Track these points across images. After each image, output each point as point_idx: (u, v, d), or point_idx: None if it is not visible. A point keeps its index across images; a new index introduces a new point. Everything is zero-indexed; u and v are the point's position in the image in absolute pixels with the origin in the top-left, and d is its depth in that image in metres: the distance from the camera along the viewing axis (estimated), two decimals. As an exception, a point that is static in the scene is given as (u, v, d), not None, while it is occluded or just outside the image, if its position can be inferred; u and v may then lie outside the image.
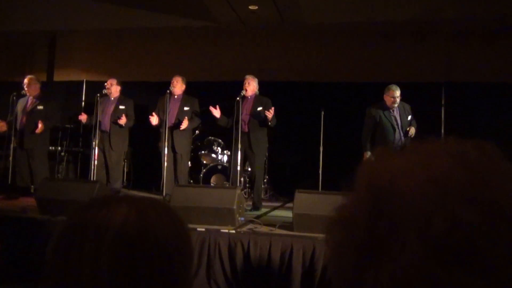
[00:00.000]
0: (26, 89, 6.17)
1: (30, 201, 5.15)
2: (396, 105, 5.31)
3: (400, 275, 0.39)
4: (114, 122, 6.06)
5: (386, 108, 5.35)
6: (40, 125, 5.93)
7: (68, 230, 0.65)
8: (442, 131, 6.65)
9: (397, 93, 5.28)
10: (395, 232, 0.40)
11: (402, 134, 5.35)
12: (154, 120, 5.85)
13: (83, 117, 6.22)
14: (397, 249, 0.39)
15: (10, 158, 6.14)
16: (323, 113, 6.03)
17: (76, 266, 0.62)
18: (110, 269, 0.61)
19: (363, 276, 0.41)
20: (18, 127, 6.12)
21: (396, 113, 5.38)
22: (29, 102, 6.21)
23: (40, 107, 6.15)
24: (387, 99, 5.33)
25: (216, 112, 5.62)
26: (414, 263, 0.38)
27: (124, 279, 0.61)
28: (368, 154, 5.28)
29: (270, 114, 5.32)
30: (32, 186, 5.98)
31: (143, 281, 0.61)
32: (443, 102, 7.05)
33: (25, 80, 6.23)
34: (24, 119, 6.11)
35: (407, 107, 5.47)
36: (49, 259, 0.66)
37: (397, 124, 5.35)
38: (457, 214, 0.38)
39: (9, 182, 6.08)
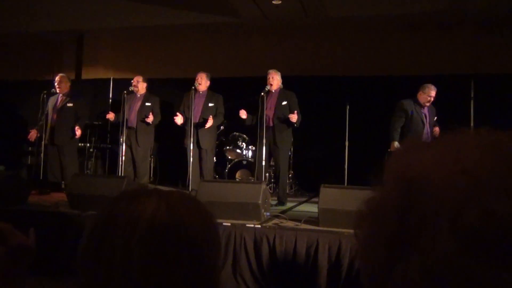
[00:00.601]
0: (57, 86, 6.35)
1: (61, 196, 5.30)
2: (428, 104, 5.50)
3: (430, 268, 0.38)
4: (142, 120, 6.16)
5: (419, 105, 5.50)
6: (78, 132, 6.13)
7: (100, 223, 0.67)
8: (472, 124, 6.49)
9: (434, 93, 5.45)
10: (425, 225, 0.39)
11: (429, 130, 5.48)
12: (179, 120, 5.91)
13: (110, 116, 6.34)
14: (427, 242, 0.39)
15: (42, 155, 6.33)
16: (348, 107, 5.97)
17: (108, 258, 0.63)
18: (141, 260, 0.62)
19: (393, 269, 0.41)
20: (49, 124, 6.29)
21: (426, 111, 5.55)
22: (59, 99, 6.38)
23: (70, 105, 6.31)
24: (423, 96, 5.47)
25: (243, 114, 5.64)
26: (445, 256, 0.38)
27: (155, 270, 0.62)
28: (396, 143, 5.31)
29: (293, 117, 5.31)
30: (63, 182, 6.15)
31: (173, 272, 0.63)
32: (472, 95, 6.87)
33: (57, 78, 6.42)
34: (55, 116, 6.29)
35: (434, 109, 5.64)
36: (82, 251, 0.67)
37: (427, 121, 5.51)
38: (491, 206, 0.37)
39: (41, 178, 6.27)
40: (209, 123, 5.80)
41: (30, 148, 7.54)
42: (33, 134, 6.31)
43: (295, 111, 5.38)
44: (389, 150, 5.25)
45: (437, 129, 5.54)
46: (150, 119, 6.08)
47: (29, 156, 7.72)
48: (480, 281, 0.37)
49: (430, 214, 0.39)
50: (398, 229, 0.41)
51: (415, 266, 0.39)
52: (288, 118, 5.40)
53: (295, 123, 5.38)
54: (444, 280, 0.38)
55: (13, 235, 0.94)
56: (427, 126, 5.48)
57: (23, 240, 0.95)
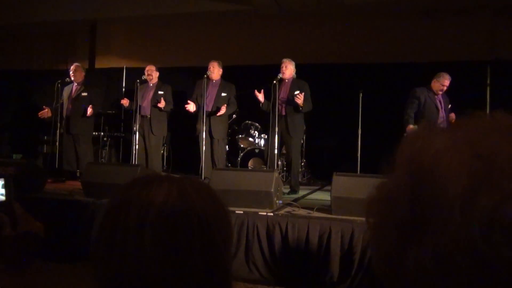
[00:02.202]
0: (72, 75, 6.41)
1: (76, 185, 5.37)
2: (441, 92, 5.51)
3: (442, 252, 0.38)
4: (154, 105, 6.19)
5: (432, 92, 5.52)
6: (90, 110, 6.17)
7: (112, 209, 0.67)
8: (487, 111, 6.39)
9: (447, 82, 5.45)
10: (438, 208, 0.39)
11: (445, 115, 5.46)
12: (191, 107, 5.92)
13: (125, 101, 6.38)
14: (439, 225, 0.38)
15: (57, 144, 6.41)
16: (361, 95, 5.92)
17: (121, 244, 0.64)
18: (153, 245, 0.63)
19: (405, 253, 0.41)
20: (64, 113, 6.37)
21: (440, 98, 5.56)
22: (74, 89, 6.44)
23: (85, 94, 6.37)
24: (436, 85, 5.48)
25: (261, 97, 5.61)
26: (457, 239, 0.37)
27: (167, 255, 0.63)
28: (411, 126, 5.35)
29: (299, 99, 5.29)
30: (78, 170, 6.23)
31: (185, 257, 0.63)
32: (488, 82, 6.75)
33: (72, 67, 6.50)
34: (70, 105, 6.36)
35: (447, 97, 5.64)
36: (95, 237, 0.68)
37: (441, 107, 5.50)
38: (505, 189, 0.37)
39: (57, 167, 6.36)
40: (222, 111, 5.80)
41: (46, 137, 7.65)
42: (47, 112, 6.35)
43: (302, 93, 5.36)
44: (404, 134, 5.21)
45: (452, 115, 5.53)
46: (162, 104, 6.10)
47: (45, 145, 7.83)
48: (493, 264, 0.36)
49: (442, 198, 0.39)
50: (410, 213, 0.41)
51: (427, 250, 0.39)
52: (298, 103, 5.38)
53: (301, 106, 5.36)
54: (456, 264, 0.37)
55: (25, 220, 0.95)
56: (442, 112, 5.48)
57: (33, 227, 0.96)
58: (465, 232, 0.37)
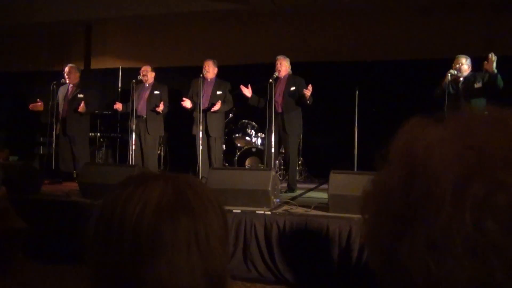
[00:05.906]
0: (66, 76, 6.38)
1: (73, 186, 5.36)
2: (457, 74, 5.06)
3: (435, 240, 0.38)
4: (152, 110, 6.18)
5: (453, 81, 5.09)
6: (82, 104, 6.14)
7: (108, 207, 0.67)
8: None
9: (457, 60, 5.10)
10: (430, 198, 0.39)
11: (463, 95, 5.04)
12: (188, 103, 5.92)
13: (118, 106, 6.36)
14: (432, 215, 0.39)
15: (53, 145, 6.39)
16: (357, 92, 5.92)
17: (116, 241, 0.64)
18: (149, 243, 0.62)
19: (399, 244, 0.41)
20: (60, 114, 6.34)
21: (464, 83, 5.10)
22: (70, 90, 6.42)
23: (81, 95, 6.35)
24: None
25: (247, 91, 5.62)
26: (449, 228, 0.38)
27: (164, 253, 0.63)
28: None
29: (308, 91, 5.26)
30: (75, 171, 6.21)
31: (181, 255, 0.63)
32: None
33: (66, 69, 6.45)
34: (66, 107, 6.33)
35: (483, 74, 5.11)
36: (91, 235, 0.68)
37: (462, 92, 5.07)
38: (497, 177, 0.37)
39: (53, 168, 6.34)
40: (217, 106, 5.78)
41: (42, 139, 7.63)
42: (37, 105, 6.36)
43: (310, 85, 5.33)
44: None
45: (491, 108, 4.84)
46: (160, 108, 6.10)
47: (41, 147, 7.81)
48: (485, 251, 0.36)
49: (434, 187, 0.39)
50: (404, 203, 0.41)
51: (420, 239, 0.39)
52: (300, 97, 5.36)
53: (308, 99, 5.34)
54: (449, 253, 0.38)
55: (7, 215, 0.94)
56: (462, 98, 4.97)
57: (15, 223, 0.95)
58: (457, 220, 0.37)
